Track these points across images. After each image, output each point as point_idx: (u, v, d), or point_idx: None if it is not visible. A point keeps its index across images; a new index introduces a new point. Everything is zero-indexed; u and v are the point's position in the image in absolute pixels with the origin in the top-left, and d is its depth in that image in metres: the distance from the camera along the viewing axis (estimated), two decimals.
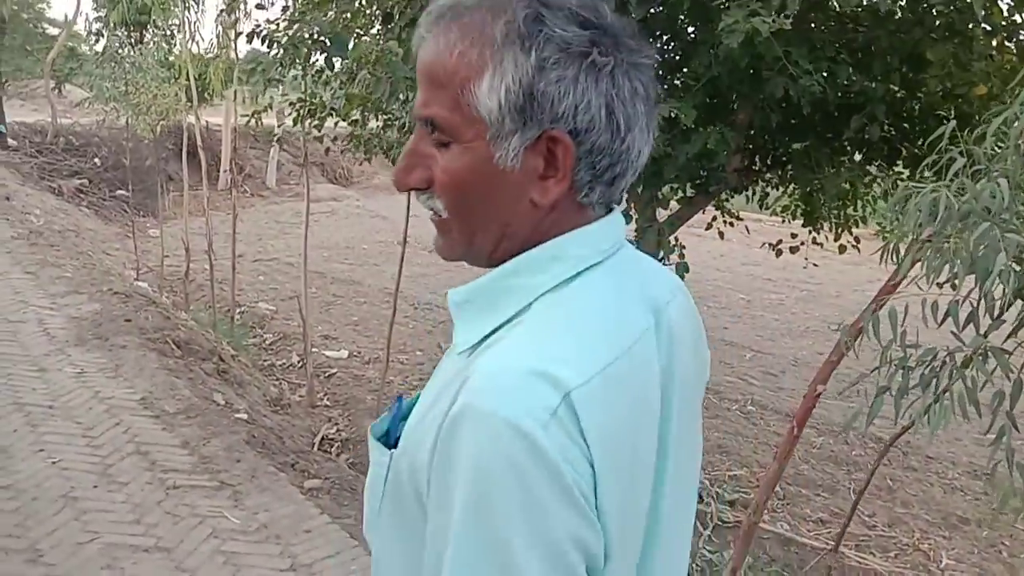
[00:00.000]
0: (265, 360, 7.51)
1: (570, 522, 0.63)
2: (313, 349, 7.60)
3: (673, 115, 3.21)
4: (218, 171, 16.23)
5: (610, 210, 0.79)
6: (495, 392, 0.64)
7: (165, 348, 5.20)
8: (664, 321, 0.78)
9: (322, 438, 5.48)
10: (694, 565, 4.08)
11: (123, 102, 10.35)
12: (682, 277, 3.78)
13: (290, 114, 5.22)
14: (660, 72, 3.86)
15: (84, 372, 4.61)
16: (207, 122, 13.14)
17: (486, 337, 0.74)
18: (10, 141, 13.95)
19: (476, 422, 0.63)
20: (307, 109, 5.06)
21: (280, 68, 4.53)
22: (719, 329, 8.68)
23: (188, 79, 7.93)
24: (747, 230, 6.02)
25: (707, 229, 5.49)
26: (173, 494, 3.37)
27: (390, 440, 0.79)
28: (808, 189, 4.58)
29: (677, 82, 3.81)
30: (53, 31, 16.22)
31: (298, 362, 7.39)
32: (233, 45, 7.61)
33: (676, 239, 3.80)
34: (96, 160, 14.60)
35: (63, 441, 3.76)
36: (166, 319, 5.90)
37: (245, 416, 4.30)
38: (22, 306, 5.69)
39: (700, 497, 4.59)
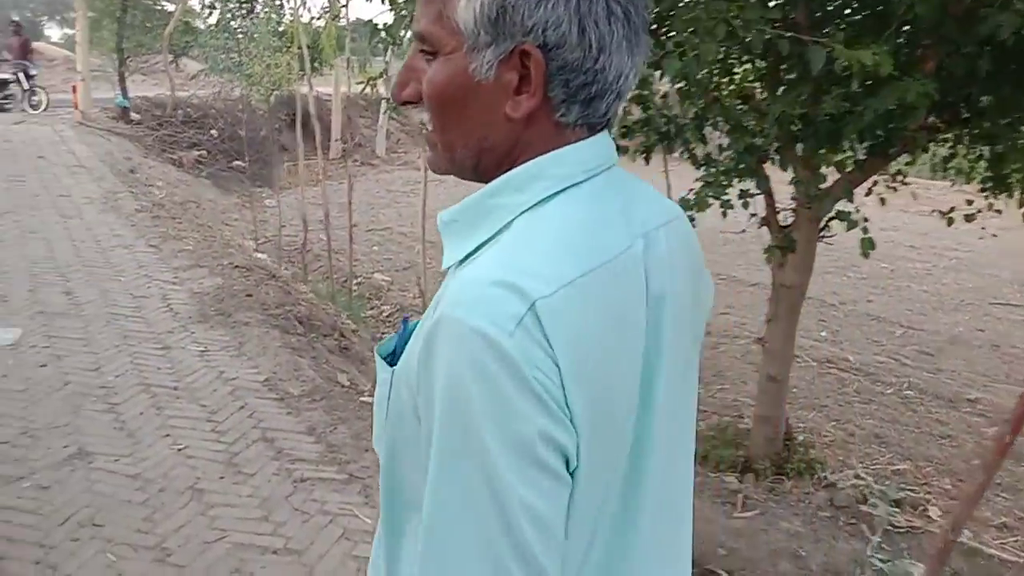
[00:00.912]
0: (383, 333, 7.38)
1: (537, 419, 0.65)
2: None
3: (858, 66, 2.69)
4: (329, 141, 16.33)
5: (594, 132, 0.79)
6: (465, 303, 0.67)
7: (287, 324, 5.07)
8: (655, 245, 0.79)
9: None
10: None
11: (237, 73, 10.41)
12: (866, 255, 3.27)
13: None
14: (834, 9, 3.33)
15: (208, 351, 4.51)
16: (318, 92, 13.19)
17: (470, 255, 0.76)
18: (133, 115, 14.39)
19: (448, 331, 0.66)
20: None
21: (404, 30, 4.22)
22: (862, 302, 7.98)
23: (300, 47, 7.77)
24: (913, 196, 5.37)
25: (867, 195, 4.89)
26: (300, 487, 3.17)
27: (395, 360, 0.81)
28: (1001, 149, 3.92)
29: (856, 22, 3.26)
30: (170, 7, 16.60)
31: None
32: (344, 12, 7.37)
33: (858, 210, 3.29)
34: (213, 132, 14.90)
35: (188, 426, 3.63)
36: (287, 294, 5.79)
37: (370, 399, 4.08)
38: (146, 281, 5.68)
39: (863, 497, 4.11)
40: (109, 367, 4.22)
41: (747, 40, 2.46)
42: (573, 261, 0.70)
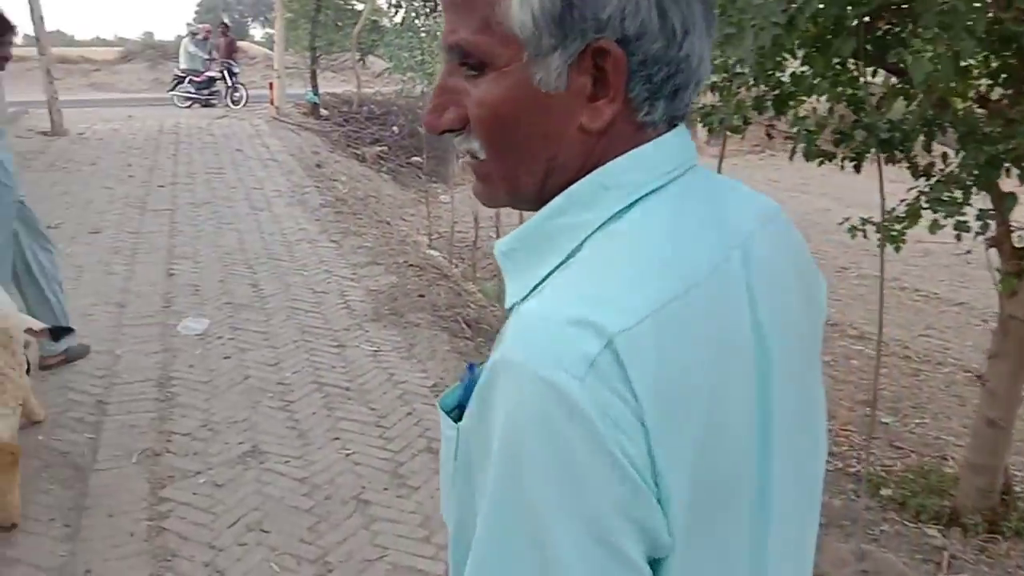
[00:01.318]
0: None
1: (611, 492, 0.54)
2: None
3: None
4: None
5: (673, 126, 0.68)
6: (526, 342, 0.57)
7: (456, 328, 5.00)
8: (754, 254, 0.67)
9: None
10: None
11: (419, 71, 10.65)
12: None
13: None
14: None
15: (380, 351, 4.51)
16: None
17: (535, 288, 0.65)
18: (322, 111, 15.14)
19: (507, 376, 0.56)
20: None
21: None
22: None
23: None
24: None
25: None
26: None
27: (461, 414, 0.67)
28: None
29: None
30: (359, 6, 17.34)
31: None
32: None
33: None
34: (395, 128, 15.40)
35: (357, 430, 3.61)
36: (457, 295, 5.75)
37: None
38: (326, 276, 5.83)
39: None
40: (287, 363, 4.31)
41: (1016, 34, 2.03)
42: (658, 285, 0.59)
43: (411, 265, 6.19)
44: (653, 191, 0.65)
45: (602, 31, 0.61)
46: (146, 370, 4.16)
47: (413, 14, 11.53)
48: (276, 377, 4.13)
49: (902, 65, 2.94)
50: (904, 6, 2.69)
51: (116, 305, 5.08)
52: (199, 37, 15.92)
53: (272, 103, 14.64)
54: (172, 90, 15.85)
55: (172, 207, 7.79)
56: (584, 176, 0.65)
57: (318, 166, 10.91)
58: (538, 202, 0.68)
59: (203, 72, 15.76)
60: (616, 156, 0.65)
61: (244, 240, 6.70)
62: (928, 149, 3.22)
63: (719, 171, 4.32)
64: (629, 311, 0.56)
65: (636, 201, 0.64)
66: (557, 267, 0.64)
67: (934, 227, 2.88)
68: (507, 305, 0.69)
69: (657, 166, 0.66)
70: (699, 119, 3.84)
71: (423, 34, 9.55)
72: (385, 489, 3.14)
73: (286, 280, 5.70)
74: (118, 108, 15.18)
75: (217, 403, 3.83)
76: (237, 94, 15.64)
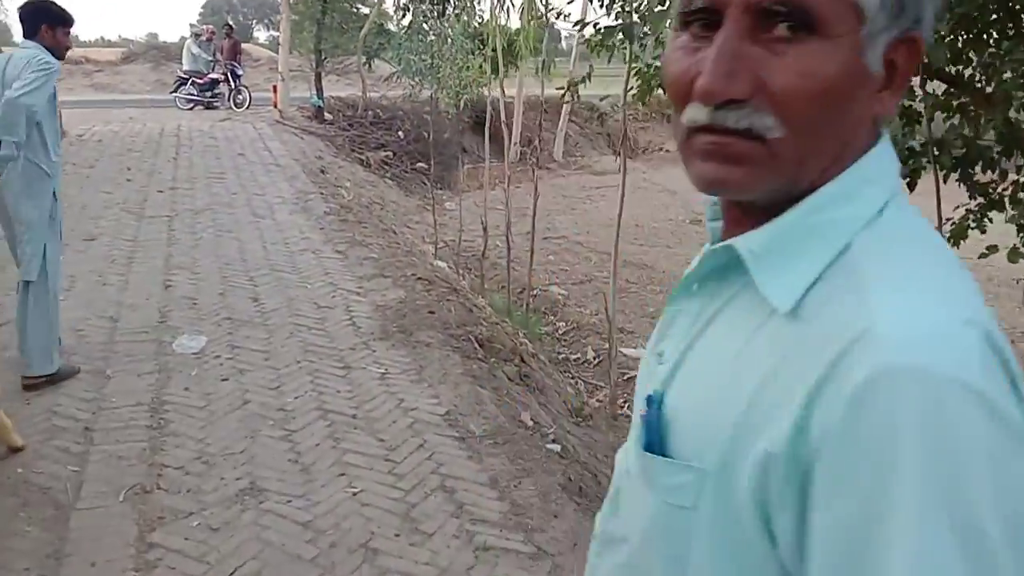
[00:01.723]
0: (559, 353, 6.95)
1: None
2: (597, 345, 6.92)
3: None
4: (510, 144, 16.22)
5: None
6: (927, 346, 0.52)
7: (467, 348, 4.72)
8: None
9: None
10: None
11: (428, 75, 10.39)
12: None
13: (637, 85, 4.42)
14: None
15: (388, 374, 4.23)
16: (504, 95, 13.05)
17: (812, 285, 0.60)
18: (326, 115, 14.88)
19: (911, 384, 0.50)
20: (647, 79, 4.23)
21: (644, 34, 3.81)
22: None
23: (495, 50, 7.49)
24: None
25: None
26: (483, 558, 2.75)
27: (663, 452, 0.65)
28: None
29: None
30: (365, 10, 17.09)
31: (594, 359, 6.73)
32: (545, 16, 7.02)
33: None
34: (400, 133, 15.15)
35: (364, 464, 3.33)
36: (468, 311, 5.47)
37: (558, 448, 3.63)
38: (331, 290, 5.55)
39: None
40: (289, 386, 4.03)
41: None
42: (974, 286, 0.59)
43: (419, 278, 5.92)
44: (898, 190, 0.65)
45: (918, 23, 0.62)
46: (138, 393, 3.88)
47: (421, 17, 11.27)
48: (277, 402, 3.85)
49: (955, 74, 2.69)
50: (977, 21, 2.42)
51: (109, 319, 4.81)
52: (203, 39, 15.67)
53: (275, 106, 14.39)
54: (175, 91, 15.60)
55: (171, 213, 7.52)
56: (841, 165, 0.63)
57: (322, 171, 10.64)
58: (793, 193, 0.63)
59: (206, 74, 15.51)
60: (858, 151, 0.64)
61: (245, 250, 6.43)
62: (993, 168, 2.95)
63: None
64: (984, 311, 0.56)
65: (891, 198, 0.63)
66: (830, 264, 0.60)
67: (1014, 255, 2.60)
68: (782, 308, 0.60)
69: (895, 163, 0.66)
70: None
71: (432, 37, 9.29)
72: (396, 535, 2.85)
73: (289, 294, 5.43)
74: (120, 109, 14.92)
75: (213, 431, 3.55)
76: (240, 97, 15.39)
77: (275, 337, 4.67)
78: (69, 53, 3.97)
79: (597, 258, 10.11)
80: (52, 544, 2.71)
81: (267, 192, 8.60)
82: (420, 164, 15.11)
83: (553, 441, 3.72)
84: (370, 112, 15.56)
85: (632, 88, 4.71)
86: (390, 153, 14.47)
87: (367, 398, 3.94)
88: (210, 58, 15.62)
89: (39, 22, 3.62)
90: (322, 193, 8.87)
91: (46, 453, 3.28)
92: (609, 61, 4.24)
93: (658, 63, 4.52)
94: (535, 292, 8.40)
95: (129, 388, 3.93)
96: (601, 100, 18.95)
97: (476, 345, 4.84)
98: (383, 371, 4.26)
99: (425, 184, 14.54)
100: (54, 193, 3.83)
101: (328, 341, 4.65)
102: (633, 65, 4.55)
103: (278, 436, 3.53)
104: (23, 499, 2.96)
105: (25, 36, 3.65)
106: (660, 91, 4.54)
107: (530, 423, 3.91)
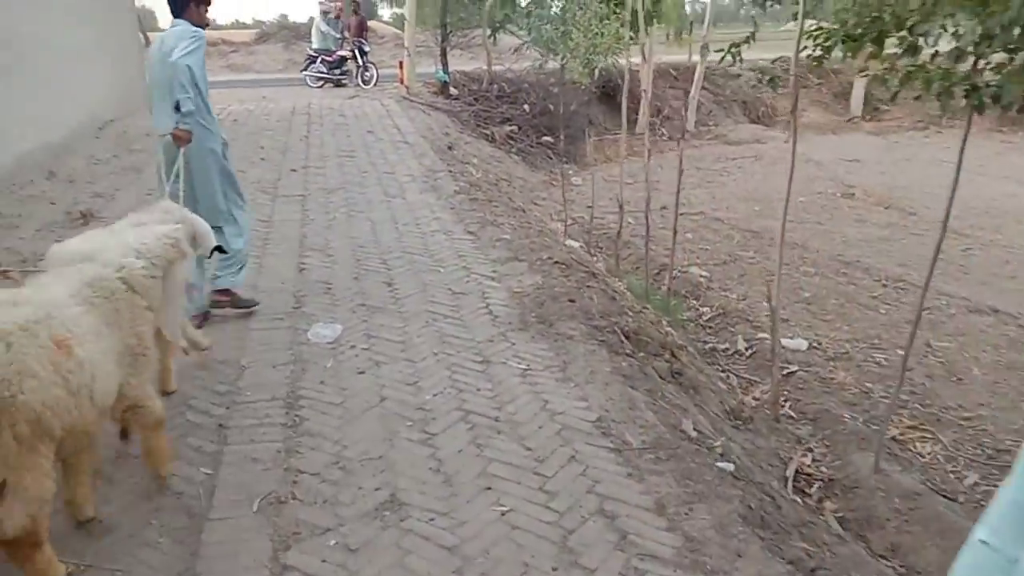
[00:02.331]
0: (704, 342, 6.42)
1: None
2: (762, 336, 6.33)
3: None
4: (637, 114, 15.56)
5: None
6: None
7: (613, 341, 4.31)
8: None
9: (795, 472, 4.21)
10: None
11: (560, 44, 9.96)
12: None
13: (814, 45, 3.86)
14: None
15: (530, 369, 3.88)
16: (631, 62, 12.47)
17: None
18: (452, 90, 14.66)
19: None
20: (829, 36, 3.64)
21: None
22: None
23: (634, 12, 6.95)
24: None
25: None
26: None
27: None
28: None
29: None
30: None
31: (747, 350, 6.16)
32: None
33: None
34: (525, 106, 14.76)
35: (512, 476, 2.99)
36: (611, 299, 5.05)
37: (731, 467, 3.17)
38: (465, 274, 5.25)
39: None
40: (427, 382, 3.74)
41: None
42: None
43: (556, 262, 5.53)
44: None
45: None
46: (273, 386, 3.70)
47: None
48: (415, 400, 3.57)
49: None
50: None
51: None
52: (331, 16, 15.75)
53: (402, 82, 14.29)
54: (304, 70, 15.79)
55: (304, 192, 7.44)
56: None
57: (449, 148, 10.41)
58: None
59: (334, 52, 15.61)
60: None
61: (377, 231, 6.23)
62: None
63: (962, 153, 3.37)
64: None
65: None
66: None
67: None
68: None
69: None
70: (963, 94, 2.98)
71: (562, 3, 8.83)
72: (554, 569, 2.49)
73: (422, 278, 5.16)
74: (254, 89, 15.25)
75: (350, 432, 3.30)
76: (368, 73, 15.40)
77: (410, 326, 4.40)
78: (206, 36, 4.37)
79: (740, 236, 9.42)
80: (184, 560, 2.51)
81: (397, 170, 8.42)
82: (546, 138, 14.69)
83: (722, 455, 3.27)
84: (495, 86, 15.24)
85: (804, 48, 4.13)
86: (515, 127, 14.11)
87: (509, 398, 3.60)
88: (338, 36, 15.69)
89: (187, 1, 4.15)
90: (451, 171, 8.61)
91: (181, 451, 3.11)
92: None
93: (836, 24, 3.92)
94: (675, 273, 7.85)
95: (264, 381, 3.75)
96: (773, 63, 17.88)
97: (622, 338, 4.42)
98: (524, 367, 3.91)
99: (551, 158, 14.13)
100: (223, 145, 4.45)
101: (465, 331, 4.34)
102: (810, 23, 3.97)
103: (417, 440, 3.24)
104: (156, 504, 2.79)
105: (173, 15, 4.18)
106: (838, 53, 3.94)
107: (693, 433, 3.47)
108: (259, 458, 3.10)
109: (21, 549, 2.16)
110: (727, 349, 6.26)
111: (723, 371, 5.77)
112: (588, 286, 5.14)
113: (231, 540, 2.61)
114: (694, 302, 7.31)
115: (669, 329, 5.49)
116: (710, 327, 6.78)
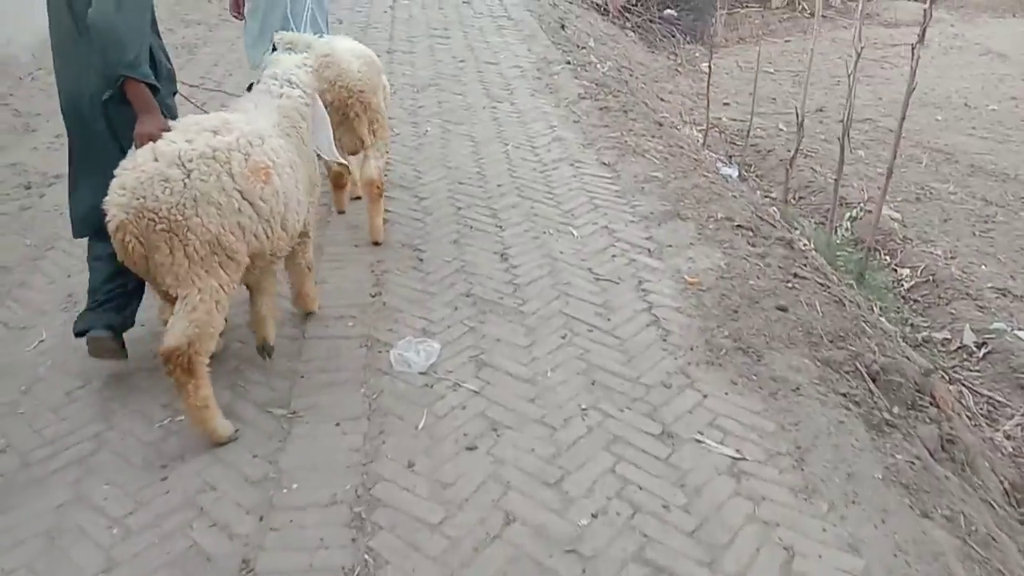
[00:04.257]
0: (908, 322, 4.75)
1: None
2: (996, 325, 4.61)
3: None
4: None
5: None
6: None
7: (857, 389, 2.75)
8: None
9: None
10: None
11: None
12: None
13: None
14: None
15: (743, 459, 2.38)
16: None
17: None
18: None
19: None
20: None
21: None
22: None
23: None
24: None
25: None
26: None
27: None
28: None
29: None
30: None
31: (977, 346, 4.46)
32: None
33: None
34: None
35: None
36: (836, 301, 3.41)
37: None
38: (608, 242, 3.66)
39: None
40: (577, 479, 2.29)
41: None
42: None
43: (737, 225, 3.89)
44: None
45: None
46: (330, 474, 2.31)
47: None
48: (562, 525, 2.14)
49: None
50: None
51: None
52: None
53: None
54: None
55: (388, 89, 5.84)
56: None
57: (562, 27, 8.52)
58: None
59: None
60: None
61: (482, 158, 4.65)
62: None
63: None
64: None
65: None
66: None
67: None
68: None
69: None
70: None
71: None
72: None
73: (549, 247, 3.63)
74: None
75: (455, 557, 1.91)
76: None
77: (539, 345, 2.92)
78: None
79: (928, 158, 7.39)
80: None
81: (501, 60, 6.70)
82: (668, 11, 12.50)
83: None
84: None
85: None
86: None
87: (720, 526, 2.12)
88: None
89: None
90: (569, 62, 6.82)
91: None
92: None
93: None
94: (853, 213, 6.08)
95: (316, 459, 2.37)
96: None
97: (867, 378, 2.85)
98: (732, 453, 2.41)
99: (674, 36, 11.99)
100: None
101: (622, 362, 2.83)
102: None
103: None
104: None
105: None
106: None
107: None
108: None
109: (176, 370, 2.21)
110: (946, 342, 4.59)
111: (949, 379, 4.14)
112: (795, 274, 3.52)
113: None
114: (888, 259, 5.55)
115: (904, 344, 3.87)
116: (915, 301, 5.08)
